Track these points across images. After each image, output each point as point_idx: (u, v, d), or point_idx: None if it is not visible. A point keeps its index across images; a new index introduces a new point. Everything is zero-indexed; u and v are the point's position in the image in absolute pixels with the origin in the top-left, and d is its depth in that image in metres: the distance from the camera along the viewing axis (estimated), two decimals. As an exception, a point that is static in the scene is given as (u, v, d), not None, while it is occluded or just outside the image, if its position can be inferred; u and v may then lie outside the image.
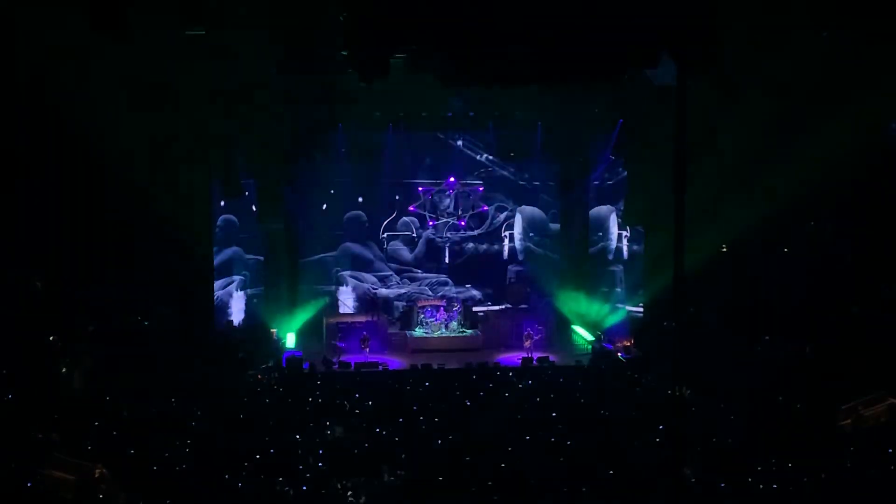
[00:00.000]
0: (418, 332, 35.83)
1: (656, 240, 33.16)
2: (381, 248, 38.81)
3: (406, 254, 38.95)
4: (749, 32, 22.93)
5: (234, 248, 35.82)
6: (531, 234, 39.41)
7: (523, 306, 38.16)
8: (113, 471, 19.58)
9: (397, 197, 38.60)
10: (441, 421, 23.43)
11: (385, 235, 38.71)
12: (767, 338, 28.99)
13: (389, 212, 38.69)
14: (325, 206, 37.74)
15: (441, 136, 37.99)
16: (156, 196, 28.64)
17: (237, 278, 36.13)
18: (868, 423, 22.50)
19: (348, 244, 38.61)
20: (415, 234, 38.84)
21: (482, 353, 33.85)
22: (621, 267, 37.21)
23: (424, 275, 38.91)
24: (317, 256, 38.04)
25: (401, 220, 38.77)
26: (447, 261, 39.11)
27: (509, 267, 39.31)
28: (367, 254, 38.71)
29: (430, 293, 38.36)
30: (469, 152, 38.38)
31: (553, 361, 32.08)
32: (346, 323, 34.91)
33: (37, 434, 20.84)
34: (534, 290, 38.79)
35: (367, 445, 21.65)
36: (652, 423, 22.35)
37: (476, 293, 38.80)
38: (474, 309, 37.68)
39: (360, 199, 38.28)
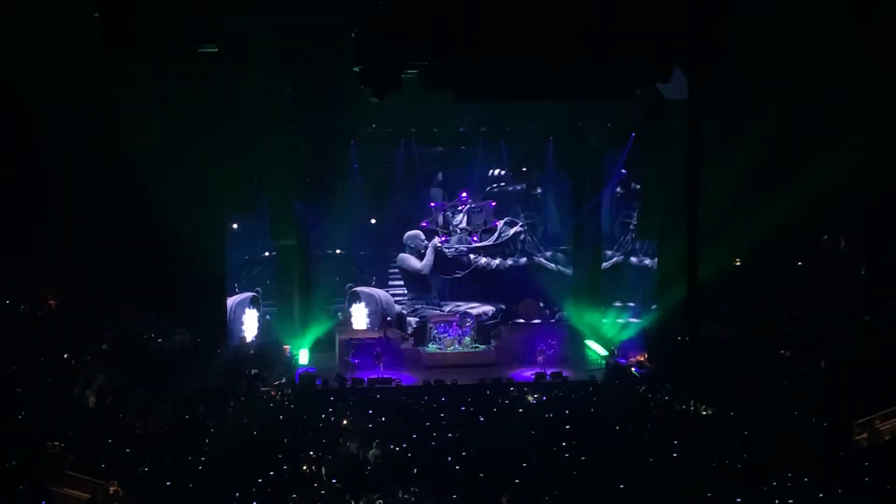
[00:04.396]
0: (431, 347, 35.77)
1: (670, 253, 33.07)
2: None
3: (415, 263, 38.88)
4: (762, 46, 22.92)
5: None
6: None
7: (536, 321, 38.06)
8: (126, 488, 19.58)
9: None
10: (455, 437, 23.36)
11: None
12: (783, 352, 28.82)
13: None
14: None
15: (454, 152, 38.09)
16: (169, 213, 28.69)
17: (250, 295, 36.19)
18: (885, 437, 22.34)
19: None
20: (422, 247, 38.81)
21: (495, 368, 33.77)
22: None
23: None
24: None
25: (407, 233, 38.73)
26: (459, 274, 39.09)
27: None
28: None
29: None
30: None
31: (566, 377, 31.96)
32: (359, 339, 34.85)
33: (50, 452, 20.83)
34: (547, 306, 38.73)
35: (381, 462, 21.61)
36: (666, 439, 22.24)
37: (489, 308, 38.69)
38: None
39: (373, 221, 38.32)
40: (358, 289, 38.18)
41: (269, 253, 37.04)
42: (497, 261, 39.22)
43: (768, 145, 28.03)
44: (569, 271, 39.21)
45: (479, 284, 39.14)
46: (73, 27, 17.38)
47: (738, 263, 33.58)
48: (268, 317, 36.81)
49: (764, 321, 31.11)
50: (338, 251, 38.12)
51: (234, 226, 35.38)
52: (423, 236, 38.85)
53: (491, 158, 38.27)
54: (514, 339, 36.11)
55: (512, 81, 7.69)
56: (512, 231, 39.19)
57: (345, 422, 24.83)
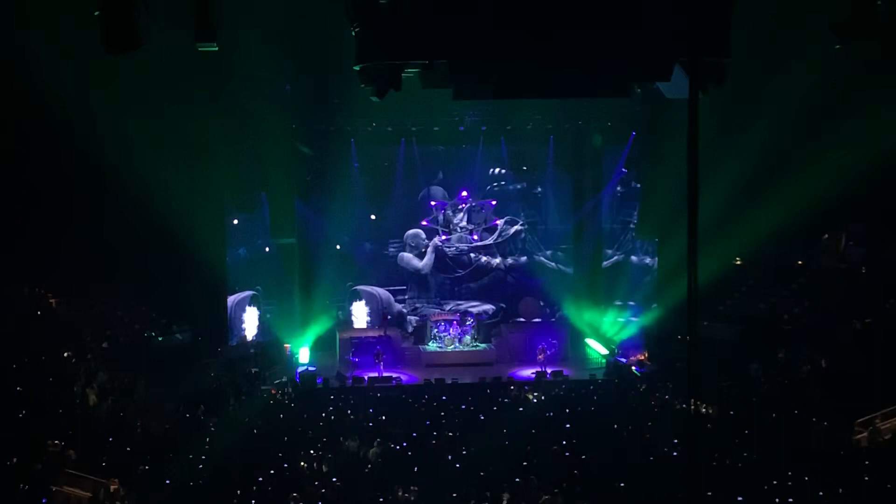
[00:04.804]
0: (432, 346, 35.79)
1: (670, 252, 33.08)
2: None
3: (416, 262, 38.88)
4: (763, 46, 22.95)
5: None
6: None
7: (536, 320, 38.07)
8: (127, 486, 19.60)
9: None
10: (455, 435, 23.38)
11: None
12: (783, 350, 28.83)
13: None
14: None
15: (454, 151, 38.11)
16: (170, 212, 28.71)
17: (250, 293, 36.18)
18: (885, 436, 22.35)
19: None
20: (423, 246, 38.83)
21: (496, 367, 33.79)
22: None
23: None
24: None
25: (408, 232, 38.74)
26: (459, 273, 39.08)
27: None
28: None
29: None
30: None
31: (567, 375, 31.99)
32: (360, 338, 34.86)
33: (51, 450, 20.87)
34: (547, 305, 38.73)
35: (381, 460, 21.62)
36: (666, 438, 22.27)
37: (489, 307, 38.68)
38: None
39: (373, 217, 38.38)
40: (358, 287, 38.19)
41: (270, 251, 37.04)
42: (497, 259, 39.21)
43: (768, 145, 28.06)
44: (569, 270, 39.20)
45: (479, 283, 39.14)
46: (74, 27, 17.42)
47: (738, 263, 33.62)
48: (268, 315, 36.81)
49: (764, 321, 31.12)
50: (338, 247, 38.12)
51: (235, 221, 35.31)
52: (423, 235, 38.87)
53: (491, 157, 38.28)
54: (515, 337, 36.13)
55: (512, 80, 7.69)
56: (512, 230, 39.18)
57: (345, 420, 24.83)
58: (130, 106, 26.77)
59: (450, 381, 30.68)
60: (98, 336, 29.22)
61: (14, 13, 23.40)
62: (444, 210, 38.87)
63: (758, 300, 32.64)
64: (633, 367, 32.46)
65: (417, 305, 38.80)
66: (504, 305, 38.90)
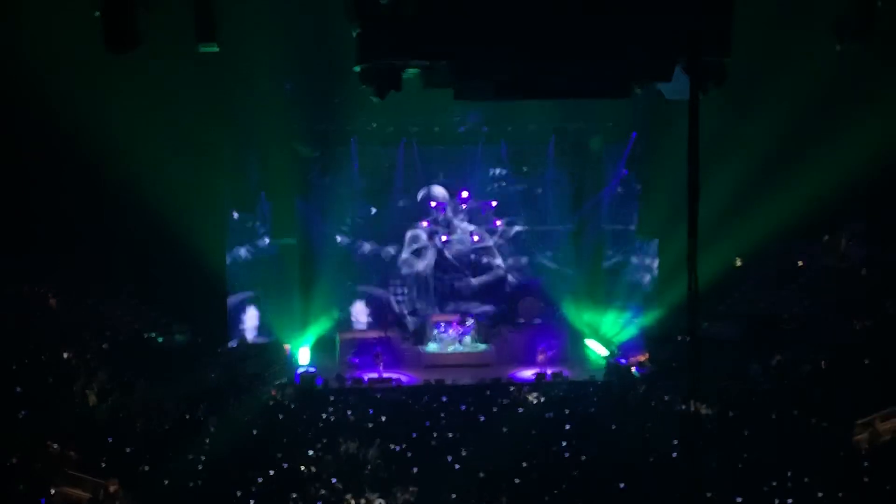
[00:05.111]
0: (431, 347, 35.73)
1: (670, 253, 33.07)
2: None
3: (416, 262, 38.88)
4: (763, 46, 22.92)
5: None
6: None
7: (537, 321, 38.04)
8: (127, 487, 19.61)
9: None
10: (454, 437, 23.37)
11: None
12: (782, 351, 28.82)
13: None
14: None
15: (454, 151, 38.10)
16: (170, 212, 28.69)
17: (250, 293, 36.17)
18: (885, 437, 22.35)
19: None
20: (423, 247, 38.85)
21: (495, 368, 33.75)
22: None
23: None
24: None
25: (408, 233, 38.75)
26: (459, 273, 39.07)
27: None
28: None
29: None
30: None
31: (567, 376, 31.96)
32: (360, 339, 34.83)
33: (51, 451, 20.87)
34: (547, 305, 38.70)
35: (381, 461, 21.62)
36: (666, 438, 22.26)
37: (489, 307, 38.66)
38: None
39: (373, 211, 38.40)
40: (358, 288, 38.18)
41: (270, 251, 37.04)
42: (498, 260, 39.20)
43: (768, 145, 28.05)
44: (569, 270, 39.18)
45: (479, 283, 39.12)
46: (74, 26, 17.41)
47: (738, 263, 33.61)
48: (268, 315, 36.78)
49: (764, 320, 31.12)
50: (338, 247, 38.11)
51: (235, 215, 35.29)
52: (424, 235, 38.86)
53: (492, 158, 38.26)
54: (515, 338, 36.08)
55: (512, 80, 7.68)
56: (513, 230, 39.17)
57: (344, 421, 24.82)
58: (130, 106, 26.74)
59: (449, 382, 30.65)
60: (98, 336, 29.22)
61: (13, 13, 23.37)
62: (445, 210, 38.85)
63: (758, 300, 32.64)
64: (633, 368, 32.42)
65: (417, 306, 38.78)
66: (504, 306, 38.88)
